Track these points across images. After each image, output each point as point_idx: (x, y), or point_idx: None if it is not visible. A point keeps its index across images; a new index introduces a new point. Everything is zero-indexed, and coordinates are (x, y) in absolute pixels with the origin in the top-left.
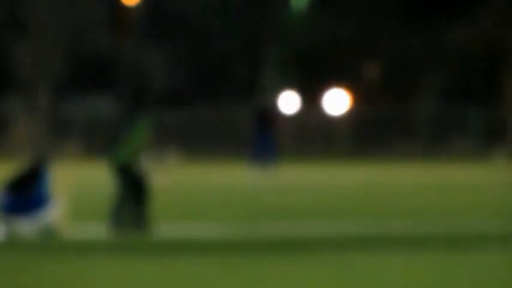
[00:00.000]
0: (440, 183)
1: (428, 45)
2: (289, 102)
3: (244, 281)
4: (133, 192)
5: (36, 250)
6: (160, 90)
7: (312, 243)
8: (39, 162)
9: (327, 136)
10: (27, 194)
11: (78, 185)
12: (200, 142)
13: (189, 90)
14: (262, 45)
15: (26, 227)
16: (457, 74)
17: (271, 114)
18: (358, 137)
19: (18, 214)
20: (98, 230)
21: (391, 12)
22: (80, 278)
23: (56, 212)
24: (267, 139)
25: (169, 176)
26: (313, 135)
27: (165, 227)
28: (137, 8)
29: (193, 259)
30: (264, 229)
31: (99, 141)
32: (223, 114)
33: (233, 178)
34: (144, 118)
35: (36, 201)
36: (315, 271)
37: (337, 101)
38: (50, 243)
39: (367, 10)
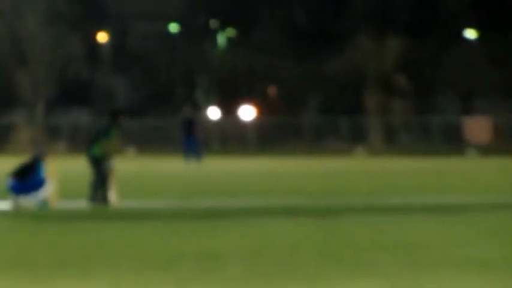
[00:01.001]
0: (319, 172)
1: (312, 73)
2: (213, 113)
3: (185, 239)
4: (100, 178)
5: (35, 217)
6: (123, 105)
7: (231, 213)
8: (36, 157)
9: (240, 137)
10: (28, 179)
11: (64, 173)
12: (150, 142)
13: (143, 105)
14: (195, 73)
15: (28, 201)
16: (332, 93)
17: (194, 122)
18: (262, 139)
19: (22, 193)
20: (78, 203)
21: (287, 49)
22: (67, 237)
23: (48, 191)
24: (192, 140)
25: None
26: (230, 136)
27: (127, 201)
28: (107, 45)
29: (147, 224)
30: (196, 203)
31: (80, 142)
32: (167, 122)
33: (174, 167)
34: (116, 129)
35: (34, 184)
36: (234, 231)
37: (247, 113)
38: (45, 213)
39: (269, 48)
